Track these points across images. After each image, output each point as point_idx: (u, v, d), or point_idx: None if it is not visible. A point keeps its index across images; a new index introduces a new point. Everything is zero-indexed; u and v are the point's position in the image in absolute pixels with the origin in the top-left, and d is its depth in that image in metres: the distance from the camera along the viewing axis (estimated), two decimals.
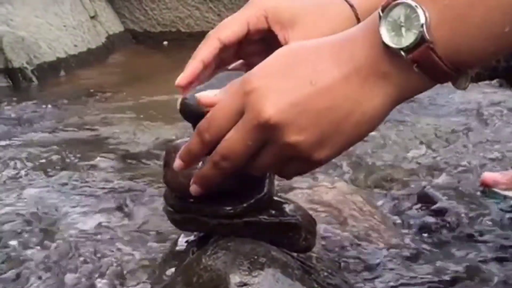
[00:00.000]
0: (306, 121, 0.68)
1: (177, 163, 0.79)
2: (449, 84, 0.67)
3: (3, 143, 1.71)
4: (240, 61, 0.93)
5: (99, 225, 1.18)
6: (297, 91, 0.68)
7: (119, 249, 1.08)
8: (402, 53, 0.64)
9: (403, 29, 0.64)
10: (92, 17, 3.24)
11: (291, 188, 1.23)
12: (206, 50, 0.88)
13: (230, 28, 0.89)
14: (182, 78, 0.87)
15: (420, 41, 0.63)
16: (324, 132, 0.69)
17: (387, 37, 0.65)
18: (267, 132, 0.70)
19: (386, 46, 0.65)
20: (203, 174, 0.78)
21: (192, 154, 0.77)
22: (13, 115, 2.05)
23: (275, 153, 0.72)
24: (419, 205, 1.21)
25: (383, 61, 0.66)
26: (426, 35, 0.63)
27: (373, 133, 1.61)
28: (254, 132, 0.70)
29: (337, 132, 0.69)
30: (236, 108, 0.71)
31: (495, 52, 0.65)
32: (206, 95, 0.76)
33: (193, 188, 0.80)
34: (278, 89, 0.68)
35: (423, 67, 0.64)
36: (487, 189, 1.28)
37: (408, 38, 0.64)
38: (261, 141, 0.71)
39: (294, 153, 0.70)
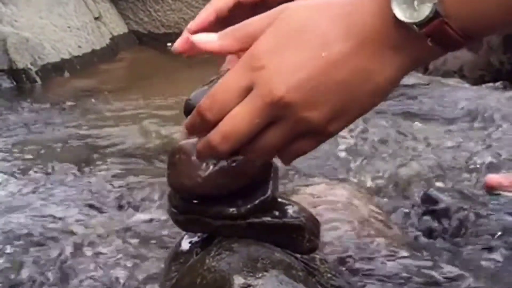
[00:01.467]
0: (320, 96, 0.66)
1: (183, 132, 0.76)
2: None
3: (5, 142, 1.71)
4: None
5: (102, 225, 1.18)
6: (309, 65, 0.66)
7: (121, 250, 1.08)
8: (415, 27, 0.63)
9: (416, 2, 0.63)
10: (96, 18, 3.24)
11: (295, 190, 1.23)
12: (221, 2, 0.85)
13: None
14: (193, 24, 0.84)
15: (434, 15, 0.62)
16: (338, 105, 0.67)
17: (399, 11, 0.63)
18: (279, 110, 0.67)
19: (397, 20, 0.64)
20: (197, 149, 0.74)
21: (195, 132, 0.74)
22: (16, 116, 2.06)
23: (285, 131, 0.69)
24: (422, 207, 1.21)
25: (395, 34, 0.65)
26: (440, 8, 0.61)
27: (375, 133, 1.62)
28: (264, 110, 0.67)
29: (351, 104, 0.68)
30: (243, 85, 0.68)
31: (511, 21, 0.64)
32: (203, 37, 0.73)
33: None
34: (289, 64, 0.66)
35: (436, 39, 0.63)
36: (491, 191, 1.28)
37: (421, 13, 0.62)
38: (269, 120, 0.68)
39: (307, 128, 0.68)
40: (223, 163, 0.84)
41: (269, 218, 0.86)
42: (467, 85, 2.12)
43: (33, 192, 1.36)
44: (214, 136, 0.70)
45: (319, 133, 0.69)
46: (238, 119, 0.68)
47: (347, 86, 0.66)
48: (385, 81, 0.67)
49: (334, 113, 0.68)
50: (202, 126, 0.71)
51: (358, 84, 0.66)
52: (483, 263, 1.04)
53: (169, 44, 3.47)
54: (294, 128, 0.69)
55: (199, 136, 0.73)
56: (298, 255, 0.88)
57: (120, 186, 1.39)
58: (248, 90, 0.68)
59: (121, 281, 1.00)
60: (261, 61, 0.67)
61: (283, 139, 0.70)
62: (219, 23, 0.85)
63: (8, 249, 1.09)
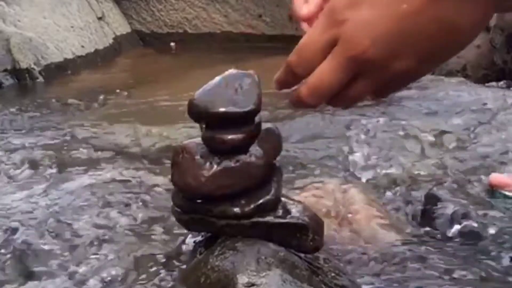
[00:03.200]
0: (403, 47, 0.68)
1: (275, 85, 0.78)
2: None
3: (7, 142, 1.72)
4: None
5: (105, 225, 1.18)
6: (390, 18, 0.67)
7: (125, 250, 1.08)
8: None
9: None
10: (99, 18, 3.25)
11: (298, 189, 1.23)
12: None
13: None
14: (306, 10, 0.84)
15: None
16: (422, 53, 0.68)
17: None
18: (363, 64, 0.69)
19: None
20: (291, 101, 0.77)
21: (283, 85, 0.77)
22: (19, 115, 2.06)
23: (372, 81, 0.71)
24: (426, 206, 1.20)
25: None
26: None
27: (377, 133, 1.62)
28: (349, 65, 0.69)
29: (435, 50, 0.69)
30: (327, 39, 0.70)
31: None
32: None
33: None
34: (370, 18, 0.67)
35: None
36: (495, 190, 1.27)
37: None
38: (354, 72, 0.70)
39: (393, 77, 0.70)
40: (227, 163, 0.85)
41: (272, 218, 0.86)
42: (470, 84, 2.12)
43: (34, 191, 1.36)
44: (304, 89, 0.73)
45: (406, 79, 0.72)
46: (324, 74, 0.71)
47: (428, 35, 0.67)
48: (466, 27, 0.67)
49: (419, 61, 0.69)
50: (292, 80, 0.75)
51: (440, 32, 0.67)
52: (487, 262, 1.04)
53: (172, 43, 3.47)
54: (380, 78, 0.71)
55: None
56: (302, 254, 0.88)
57: (121, 185, 1.39)
58: (332, 44, 0.70)
59: (124, 280, 1.00)
60: (342, 15, 0.69)
61: (370, 88, 0.72)
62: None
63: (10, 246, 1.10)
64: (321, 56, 0.71)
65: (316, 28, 0.71)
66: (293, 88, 0.77)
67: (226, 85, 0.84)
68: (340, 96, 0.73)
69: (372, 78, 0.71)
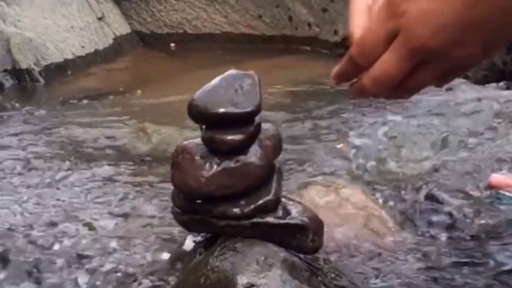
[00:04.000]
0: (463, 35, 0.68)
1: (331, 80, 0.80)
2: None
3: (7, 142, 1.71)
4: None
5: (105, 225, 1.18)
6: (451, 8, 0.68)
7: (125, 250, 1.08)
8: None
9: None
10: (99, 19, 3.24)
11: (299, 190, 1.23)
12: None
13: None
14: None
15: None
16: (487, 39, 0.69)
17: None
18: (425, 54, 0.70)
19: None
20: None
21: (345, 78, 0.79)
22: (19, 116, 2.06)
23: (435, 71, 0.73)
24: (426, 207, 1.20)
25: None
26: None
27: (378, 133, 1.61)
28: (411, 56, 0.71)
29: (495, 36, 0.69)
30: (388, 31, 0.72)
31: None
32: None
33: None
34: (430, 8, 0.68)
35: None
36: (495, 191, 1.27)
37: None
38: (416, 63, 0.72)
39: (456, 64, 0.72)
40: (227, 163, 0.85)
41: (272, 218, 0.86)
42: (470, 85, 2.12)
43: (34, 191, 1.36)
44: (367, 80, 0.75)
45: (468, 66, 0.74)
46: (387, 65, 0.73)
47: (487, 22, 0.68)
48: None
49: (482, 47, 0.70)
50: (354, 71, 0.77)
51: (499, 18, 0.67)
52: (487, 262, 1.04)
53: (172, 44, 3.47)
54: (443, 67, 0.72)
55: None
56: (302, 255, 0.88)
57: (121, 186, 1.39)
58: (393, 35, 0.71)
59: (125, 280, 1.00)
60: (400, 7, 0.70)
61: (432, 77, 0.74)
62: None
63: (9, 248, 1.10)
64: (383, 48, 0.72)
65: (376, 20, 0.73)
66: (350, 82, 0.80)
67: (226, 86, 0.84)
68: (402, 86, 0.75)
69: (435, 67, 0.72)
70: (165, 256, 1.03)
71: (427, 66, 0.73)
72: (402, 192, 1.31)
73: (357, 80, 0.79)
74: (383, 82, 0.74)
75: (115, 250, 1.08)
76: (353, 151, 1.53)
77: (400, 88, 0.75)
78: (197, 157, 0.85)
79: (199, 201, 0.87)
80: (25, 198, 1.33)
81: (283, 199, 0.89)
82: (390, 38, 0.72)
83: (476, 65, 0.75)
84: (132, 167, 1.53)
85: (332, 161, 1.49)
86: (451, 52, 0.70)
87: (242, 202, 0.85)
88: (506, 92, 1.99)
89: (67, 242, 1.12)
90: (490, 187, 1.29)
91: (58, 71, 2.71)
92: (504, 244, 1.09)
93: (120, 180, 1.42)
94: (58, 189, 1.37)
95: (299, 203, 0.92)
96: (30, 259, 1.06)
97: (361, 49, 0.75)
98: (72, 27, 2.99)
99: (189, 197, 0.88)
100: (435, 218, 1.17)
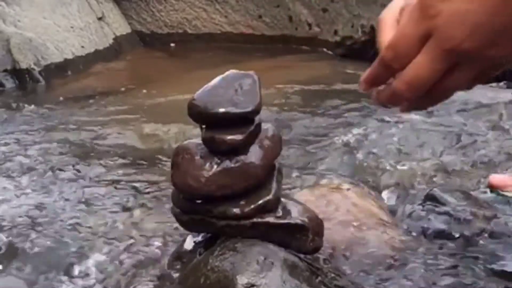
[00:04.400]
0: (496, 36, 0.68)
1: (361, 85, 0.80)
2: None
3: (7, 142, 1.71)
4: None
5: (105, 225, 1.18)
6: (484, 8, 0.67)
7: (125, 250, 1.08)
8: None
9: None
10: (99, 19, 3.24)
11: (298, 190, 1.23)
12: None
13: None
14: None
15: None
16: None
17: None
18: (459, 56, 0.70)
19: None
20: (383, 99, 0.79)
21: (378, 82, 0.78)
22: (19, 116, 2.06)
23: (469, 72, 0.72)
24: (426, 207, 1.20)
25: None
26: None
27: (379, 133, 1.61)
28: (444, 58, 0.70)
29: None
30: (421, 33, 0.71)
31: None
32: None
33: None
34: (464, 9, 0.68)
35: None
36: (495, 190, 1.27)
37: None
38: (450, 65, 0.71)
39: (491, 64, 0.72)
40: (227, 163, 0.85)
41: (272, 218, 0.86)
42: None
43: (34, 191, 1.36)
44: (400, 84, 0.74)
45: (503, 65, 0.73)
46: (420, 67, 0.72)
47: None
48: None
49: None
50: (385, 75, 0.76)
51: None
52: (488, 263, 1.04)
53: (172, 44, 3.47)
54: (478, 67, 0.72)
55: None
56: (302, 255, 0.88)
57: (122, 186, 1.39)
58: (426, 37, 0.71)
59: (125, 280, 1.00)
60: (434, 8, 0.69)
61: (468, 77, 0.73)
62: None
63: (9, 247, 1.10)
64: (416, 50, 0.72)
65: (408, 22, 0.72)
66: (379, 88, 0.79)
67: (226, 86, 0.84)
68: (435, 89, 0.74)
69: (470, 68, 0.72)
70: (165, 256, 1.03)
71: (461, 67, 0.72)
72: (402, 191, 1.31)
73: (385, 86, 0.78)
74: (416, 85, 0.73)
75: (115, 250, 1.08)
76: (354, 151, 1.53)
77: (432, 92, 0.74)
78: (197, 157, 0.86)
79: (199, 201, 0.87)
80: (26, 198, 1.32)
81: (283, 199, 0.89)
82: (423, 40, 0.71)
83: (508, 65, 0.75)
84: (131, 166, 1.53)
85: (332, 161, 1.49)
86: (486, 52, 0.69)
87: (242, 202, 0.85)
88: (506, 92, 1.99)
89: (68, 239, 1.12)
90: (490, 186, 1.29)
91: (58, 71, 2.71)
92: (505, 243, 1.09)
93: (120, 179, 1.42)
94: (58, 189, 1.37)
95: (299, 203, 0.92)
96: (30, 259, 1.06)
97: (394, 52, 0.74)
98: (72, 27, 2.99)
99: (189, 197, 0.88)
100: (435, 218, 1.17)
